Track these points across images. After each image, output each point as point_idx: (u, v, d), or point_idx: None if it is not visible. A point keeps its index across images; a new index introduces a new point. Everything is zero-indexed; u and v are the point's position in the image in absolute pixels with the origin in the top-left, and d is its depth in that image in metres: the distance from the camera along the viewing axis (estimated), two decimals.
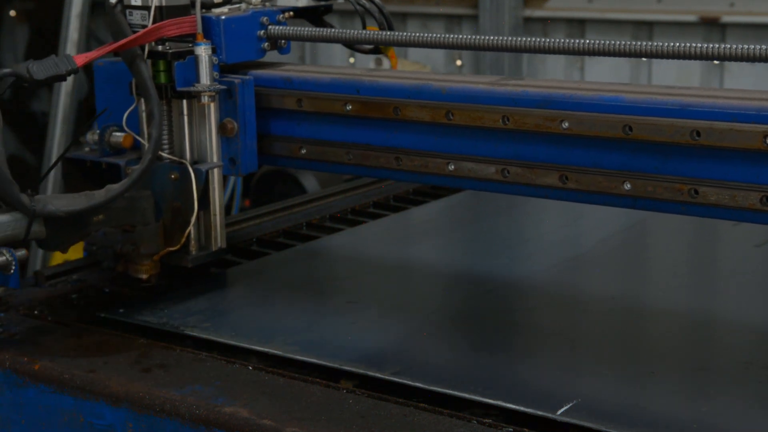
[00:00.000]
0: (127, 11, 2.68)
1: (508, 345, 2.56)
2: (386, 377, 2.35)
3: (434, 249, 3.29)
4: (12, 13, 8.67)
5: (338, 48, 7.23)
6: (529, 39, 2.49)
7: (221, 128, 2.77)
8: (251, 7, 2.84)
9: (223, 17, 2.75)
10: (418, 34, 2.68)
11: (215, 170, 2.77)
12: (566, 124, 2.44)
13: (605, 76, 6.18)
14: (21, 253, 2.51)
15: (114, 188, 2.58)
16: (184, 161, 2.76)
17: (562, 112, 2.45)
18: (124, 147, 2.87)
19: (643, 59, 6.03)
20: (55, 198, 2.52)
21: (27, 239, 2.50)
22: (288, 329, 2.62)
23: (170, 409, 2.26)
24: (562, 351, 2.50)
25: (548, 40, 2.47)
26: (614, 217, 3.41)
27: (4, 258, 2.49)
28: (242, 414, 2.20)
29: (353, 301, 2.83)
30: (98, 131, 2.87)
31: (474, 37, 2.57)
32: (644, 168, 2.39)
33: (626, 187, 2.41)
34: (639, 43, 2.40)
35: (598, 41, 2.44)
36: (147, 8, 2.66)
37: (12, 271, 2.51)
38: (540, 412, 2.17)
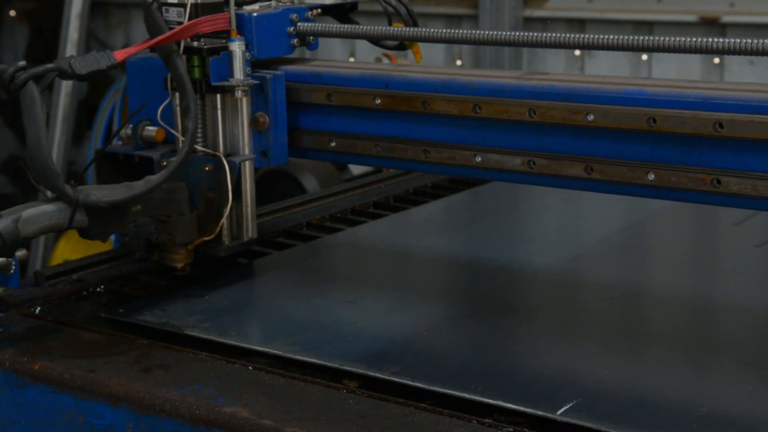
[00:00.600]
0: (164, 8, 2.76)
1: (508, 345, 2.56)
2: (386, 377, 2.34)
3: (434, 249, 3.28)
4: (12, 13, 8.70)
5: (339, 47, 7.28)
6: (556, 35, 2.56)
7: (253, 122, 2.84)
8: (281, 4, 2.91)
9: (255, 14, 2.82)
10: (445, 31, 2.74)
11: (247, 162, 2.85)
12: (591, 117, 2.50)
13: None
14: (21, 253, 2.54)
15: (153, 179, 2.64)
16: (218, 153, 2.83)
17: (587, 105, 2.50)
18: (156, 141, 2.93)
19: (644, 58, 6.09)
20: (96, 188, 2.57)
21: (70, 228, 2.56)
22: (288, 329, 2.62)
23: (170, 409, 2.25)
24: (562, 350, 2.51)
25: (576, 35, 2.54)
26: (614, 217, 3.47)
27: (4, 258, 2.50)
28: (242, 414, 2.19)
29: (353, 300, 2.82)
30: (131, 126, 2.95)
31: (501, 33, 2.63)
32: (668, 159, 2.44)
33: (650, 178, 2.47)
34: (640, 37, 2.45)
35: (602, 36, 2.49)
36: (183, 5, 2.74)
37: (12, 271, 2.52)
38: (540, 412, 2.17)
